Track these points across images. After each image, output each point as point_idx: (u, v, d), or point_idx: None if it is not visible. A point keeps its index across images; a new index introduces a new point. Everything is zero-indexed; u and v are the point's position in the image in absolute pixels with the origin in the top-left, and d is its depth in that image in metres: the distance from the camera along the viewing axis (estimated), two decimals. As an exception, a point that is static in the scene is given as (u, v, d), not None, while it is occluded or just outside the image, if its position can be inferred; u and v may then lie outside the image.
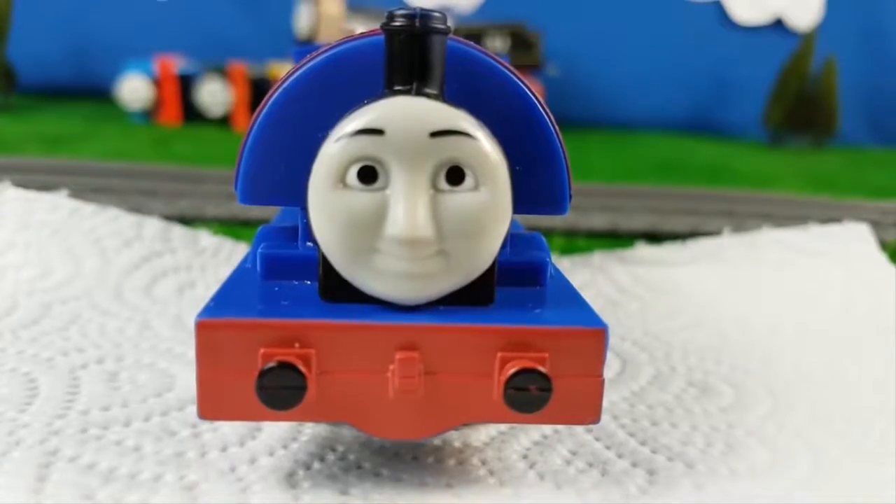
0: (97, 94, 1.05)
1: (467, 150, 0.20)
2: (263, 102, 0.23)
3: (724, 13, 1.18)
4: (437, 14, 0.20)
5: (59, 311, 0.33)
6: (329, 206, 0.20)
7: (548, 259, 0.24)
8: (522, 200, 0.22)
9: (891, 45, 1.19)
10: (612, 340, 0.33)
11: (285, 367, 0.20)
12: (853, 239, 0.41)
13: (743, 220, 0.55)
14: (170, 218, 0.48)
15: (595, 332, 0.21)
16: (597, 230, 0.53)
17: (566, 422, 0.21)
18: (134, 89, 0.96)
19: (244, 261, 0.25)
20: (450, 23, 0.21)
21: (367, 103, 0.21)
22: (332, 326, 0.20)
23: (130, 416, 0.25)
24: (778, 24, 1.19)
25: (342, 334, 0.20)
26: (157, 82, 0.96)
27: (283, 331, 0.20)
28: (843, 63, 1.09)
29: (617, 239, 0.52)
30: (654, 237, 0.51)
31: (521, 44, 1.01)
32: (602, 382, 0.21)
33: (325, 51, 0.23)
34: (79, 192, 0.46)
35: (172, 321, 0.33)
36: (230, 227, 0.50)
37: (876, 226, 0.48)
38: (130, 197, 0.51)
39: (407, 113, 0.20)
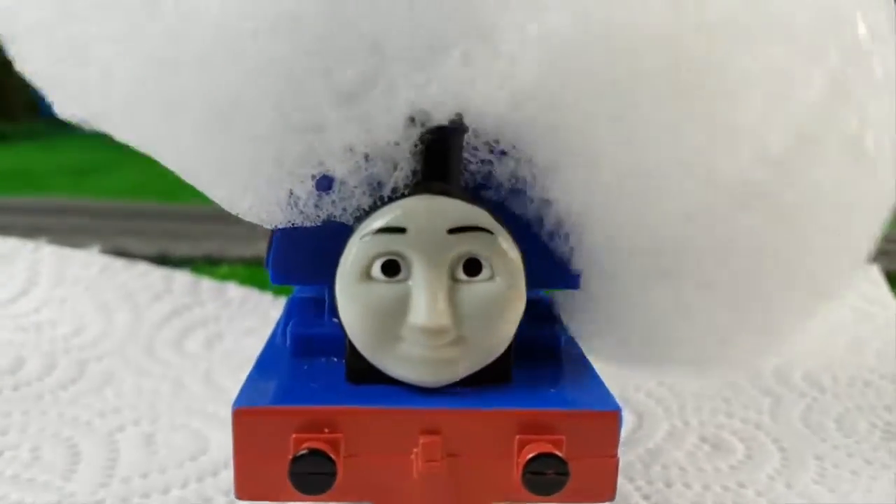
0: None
1: (483, 244, 0.21)
2: None
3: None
4: (457, 113, 0.22)
5: (95, 370, 0.34)
6: (355, 298, 0.22)
7: (560, 332, 0.25)
8: (537, 278, 0.23)
9: None
10: (627, 391, 0.35)
11: (316, 453, 0.21)
12: (862, 281, 0.42)
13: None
14: (195, 259, 0.50)
15: (609, 415, 0.22)
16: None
17: (582, 500, 0.22)
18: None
19: (275, 333, 0.27)
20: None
21: (389, 201, 0.22)
22: (359, 412, 0.22)
23: (168, 483, 0.27)
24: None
25: (369, 419, 0.22)
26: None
27: (314, 416, 0.22)
28: None
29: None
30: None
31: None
32: (617, 462, 0.22)
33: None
34: (108, 238, 0.48)
35: (203, 378, 0.35)
36: (255, 267, 0.51)
37: (883, 255, 0.48)
38: (157, 240, 0.52)
39: (427, 212, 0.21)
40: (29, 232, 0.46)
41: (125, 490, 0.26)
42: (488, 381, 0.23)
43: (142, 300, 0.39)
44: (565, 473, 0.21)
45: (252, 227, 0.59)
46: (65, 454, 0.28)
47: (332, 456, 0.21)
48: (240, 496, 0.22)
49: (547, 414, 0.22)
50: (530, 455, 0.21)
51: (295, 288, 0.32)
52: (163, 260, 0.47)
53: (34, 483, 0.27)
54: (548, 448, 0.21)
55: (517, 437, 0.22)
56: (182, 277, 0.40)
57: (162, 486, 0.27)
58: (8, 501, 0.25)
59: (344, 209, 0.23)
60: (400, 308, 0.22)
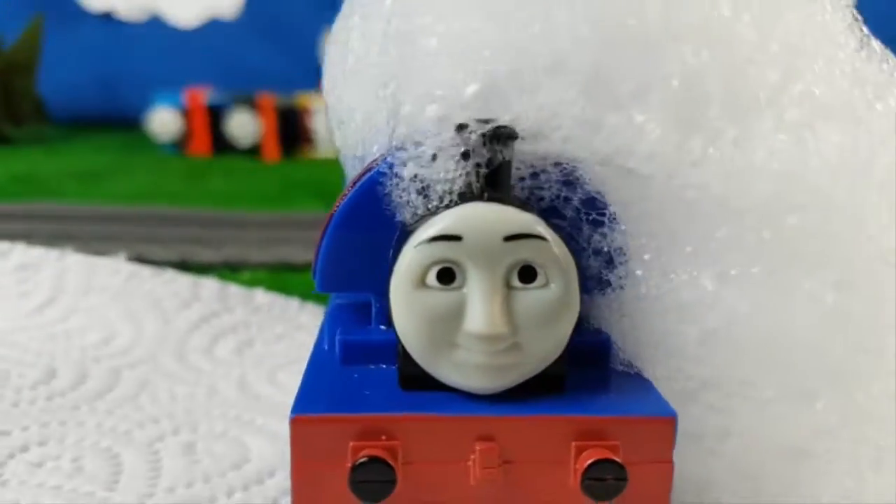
0: (126, 125, 1.07)
1: (538, 251, 0.21)
2: (336, 204, 0.24)
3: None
4: (506, 122, 0.22)
5: (128, 378, 0.34)
6: (411, 306, 0.22)
7: (608, 338, 0.25)
8: (588, 283, 0.23)
9: None
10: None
11: (376, 461, 0.21)
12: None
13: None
14: (216, 265, 0.49)
15: (665, 420, 0.22)
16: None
17: (640, 504, 0.22)
18: (164, 121, 0.98)
19: (320, 341, 0.27)
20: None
21: (443, 209, 0.22)
22: (416, 419, 0.22)
23: (214, 492, 0.27)
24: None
25: (426, 426, 0.22)
26: (187, 114, 0.98)
27: (371, 424, 0.22)
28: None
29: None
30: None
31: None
32: (672, 468, 0.22)
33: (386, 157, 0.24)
34: (129, 244, 0.48)
35: (237, 384, 0.35)
36: (278, 272, 0.51)
37: None
38: (177, 245, 0.52)
39: (482, 219, 0.21)
40: (50, 239, 0.46)
41: (171, 500, 0.26)
42: (541, 387, 0.23)
43: (170, 307, 0.39)
44: (624, 479, 0.21)
45: (268, 232, 0.59)
46: (106, 464, 0.28)
47: (392, 463, 0.21)
48: (298, 506, 0.22)
49: (604, 421, 0.22)
50: (590, 461, 0.21)
51: (331, 295, 0.32)
52: (184, 266, 0.47)
53: (78, 493, 0.26)
54: (606, 454, 0.21)
55: (573, 443, 0.22)
56: (210, 284, 0.40)
57: (208, 496, 0.26)
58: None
59: (399, 198, 0.23)
60: (455, 315, 0.22)
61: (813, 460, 0.24)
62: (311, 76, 1.08)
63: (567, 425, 0.22)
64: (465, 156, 0.22)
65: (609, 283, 0.24)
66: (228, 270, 0.49)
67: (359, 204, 0.24)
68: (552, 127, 0.21)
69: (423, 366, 0.22)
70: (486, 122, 0.22)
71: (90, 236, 0.51)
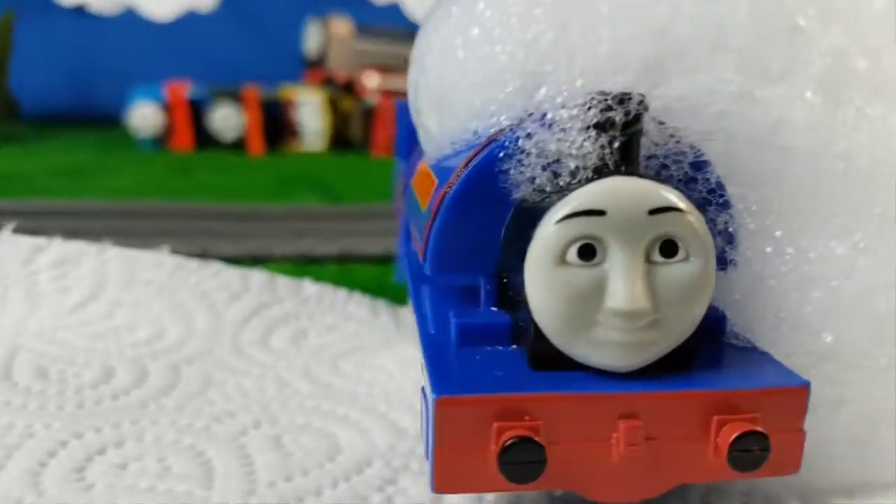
0: (101, 121, 1.04)
1: (680, 225, 0.21)
2: (448, 185, 0.24)
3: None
4: (640, 95, 0.21)
5: (189, 373, 0.33)
6: (550, 283, 0.21)
7: (723, 313, 0.25)
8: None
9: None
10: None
11: (527, 441, 0.21)
12: None
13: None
14: (240, 259, 0.48)
15: (800, 390, 0.22)
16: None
17: (773, 474, 0.22)
18: (144, 116, 0.95)
19: (423, 326, 0.26)
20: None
21: (576, 184, 0.21)
22: (560, 398, 0.21)
23: (319, 484, 0.26)
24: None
25: (569, 404, 0.21)
26: (168, 108, 0.96)
27: (515, 404, 0.21)
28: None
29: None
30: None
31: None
32: (804, 436, 0.22)
33: (504, 134, 0.23)
34: (145, 239, 0.46)
35: (303, 375, 0.34)
36: (300, 265, 0.50)
37: None
38: (195, 239, 0.51)
39: (626, 193, 0.21)
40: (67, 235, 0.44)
41: (276, 495, 0.25)
42: (672, 363, 0.23)
43: (219, 300, 0.38)
44: (768, 449, 0.21)
45: (286, 224, 0.58)
46: (193, 462, 0.27)
47: (542, 443, 0.21)
48: (438, 489, 0.21)
49: (743, 394, 0.22)
50: (737, 433, 0.21)
51: (408, 281, 0.31)
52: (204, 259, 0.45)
53: (175, 494, 0.25)
54: (751, 426, 0.21)
55: (715, 417, 0.22)
56: (258, 276, 0.39)
57: (313, 489, 0.26)
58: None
59: (521, 174, 0.23)
60: (596, 292, 0.21)
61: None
62: (294, 68, 1.07)
63: (708, 400, 0.22)
64: (600, 127, 0.21)
65: (729, 262, 0.24)
66: (253, 263, 0.48)
67: (476, 181, 0.23)
68: (705, 104, 0.21)
69: (557, 345, 0.22)
70: (618, 95, 0.21)
71: (101, 232, 0.49)
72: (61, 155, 0.90)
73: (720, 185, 0.23)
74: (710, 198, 0.23)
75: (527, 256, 0.22)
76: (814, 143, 0.21)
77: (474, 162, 0.24)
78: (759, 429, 0.21)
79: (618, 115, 0.21)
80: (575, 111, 0.22)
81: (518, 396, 0.21)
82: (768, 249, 0.23)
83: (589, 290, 0.21)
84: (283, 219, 0.58)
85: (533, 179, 0.23)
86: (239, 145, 0.97)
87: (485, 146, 0.24)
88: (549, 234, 0.21)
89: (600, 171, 0.21)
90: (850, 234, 0.22)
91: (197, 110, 0.96)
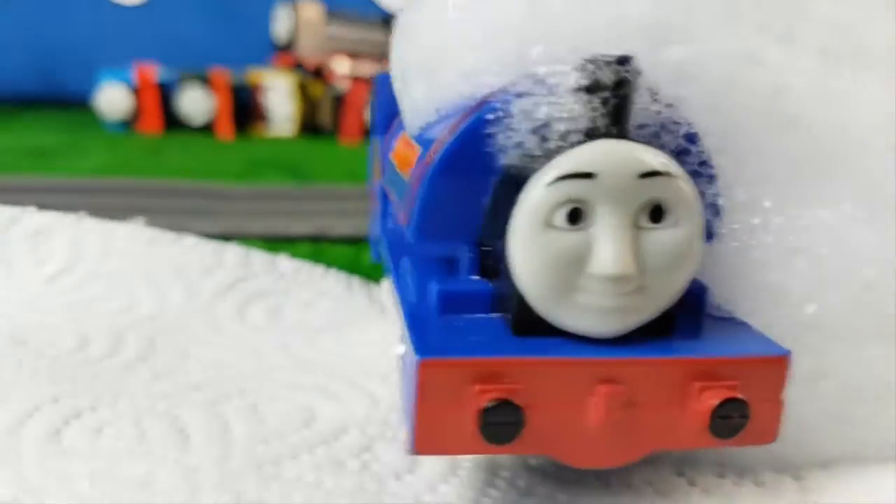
0: (68, 104, 1.02)
1: (671, 190, 0.21)
2: (433, 152, 0.24)
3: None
4: (631, 58, 0.21)
5: (165, 345, 0.33)
6: (535, 247, 0.21)
7: (704, 283, 0.25)
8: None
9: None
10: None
11: (506, 403, 0.21)
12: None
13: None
14: (213, 236, 0.48)
15: (780, 359, 0.22)
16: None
17: (750, 443, 0.23)
18: (112, 99, 0.94)
19: (404, 294, 0.26)
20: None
21: (567, 147, 0.21)
22: (541, 363, 0.21)
23: (296, 449, 0.26)
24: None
25: (549, 369, 0.21)
26: (137, 91, 0.94)
27: (496, 367, 0.21)
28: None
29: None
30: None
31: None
32: (782, 406, 0.23)
33: (491, 99, 0.23)
34: (118, 215, 0.46)
35: (280, 348, 0.33)
36: (273, 243, 0.49)
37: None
38: (168, 216, 0.50)
39: (617, 156, 0.21)
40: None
41: (252, 459, 0.25)
42: (652, 329, 0.23)
43: (194, 273, 0.37)
44: (747, 416, 0.22)
45: (260, 203, 0.57)
46: (171, 428, 0.27)
47: (520, 405, 0.21)
48: (419, 451, 0.21)
49: (725, 361, 0.22)
50: (718, 400, 0.21)
51: (387, 257, 0.31)
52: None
53: (151, 457, 0.25)
54: (731, 393, 0.21)
55: (696, 384, 0.22)
56: (233, 250, 0.39)
57: (290, 453, 0.26)
58: (129, 474, 0.24)
59: (508, 139, 0.22)
60: (581, 257, 0.21)
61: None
62: (263, 52, 1.06)
63: (689, 367, 0.22)
64: (590, 90, 0.21)
65: (714, 235, 0.24)
66: (226, 240, 0.48)
67: (463, 148, 0.23)
68: (705, 71, 0.21)
69: (539, 310, 0.22)
70: (611, 57, 0.21)
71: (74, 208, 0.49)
72: (29, 136, 0.88)
73: (710, 157, 0.23)
74: (701, 170, 0.23)
75: (512, 220, 0.22)
76: (810, 111, 0.21)
77: (464, 125, 0.23)
78: (739, 396, 0.21)
79: (609, 77, 0.21)
80: (567, 73, 0.22)
81: (499, 360, 0.21)
82: (756, 221, 0.23)
83: (574, 255, 0.21)
84: (255, 199, 0.58)
85: (521, 144, 0.23)
86: (208, 129, 0.96)
87: (474, 110, 0.24)
88: (537, 196, 0.21)
89: (591, 134, 0.21)
90: (840, 203, 0.22)
91: (165, 93, 0.95)
